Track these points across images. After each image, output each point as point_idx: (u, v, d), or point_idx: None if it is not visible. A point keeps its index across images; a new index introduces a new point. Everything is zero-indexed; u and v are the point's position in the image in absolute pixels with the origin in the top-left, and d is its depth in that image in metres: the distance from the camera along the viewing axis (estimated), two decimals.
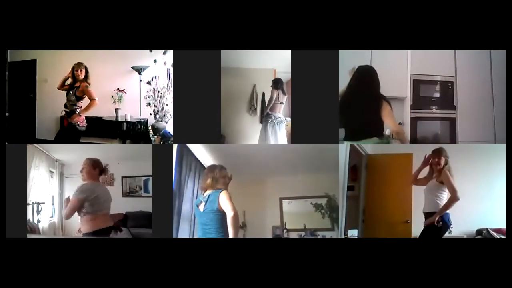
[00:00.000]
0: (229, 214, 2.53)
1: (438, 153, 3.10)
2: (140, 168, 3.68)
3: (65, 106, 3.41)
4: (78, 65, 3.38)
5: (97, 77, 3.79)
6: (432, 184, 3.13)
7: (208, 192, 2.65)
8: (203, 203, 2.63)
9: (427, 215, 3.09)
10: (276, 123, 3.88)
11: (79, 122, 3.36)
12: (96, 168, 2.93)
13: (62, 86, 3.43)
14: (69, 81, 3.41)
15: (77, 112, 3.36)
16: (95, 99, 3.37)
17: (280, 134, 3.87)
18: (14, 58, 3.41)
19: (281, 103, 3.95)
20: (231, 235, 2.52)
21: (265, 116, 3.95)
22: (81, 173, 2.92)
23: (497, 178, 3.19)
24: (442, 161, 3.08)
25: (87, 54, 3.39)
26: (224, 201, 2.57)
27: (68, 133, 3.37)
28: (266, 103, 4.02)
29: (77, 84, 3.38)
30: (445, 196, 3.08)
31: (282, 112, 3.95)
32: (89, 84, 3.38)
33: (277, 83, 3.95)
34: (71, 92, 3.38)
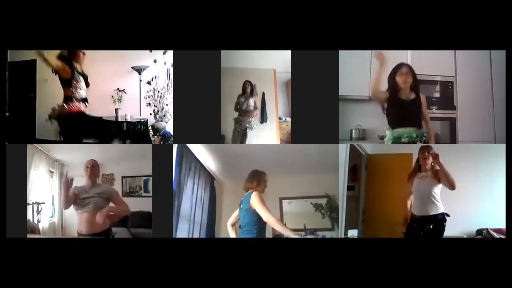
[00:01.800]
0: (267, 220, 2.75)
1: (426, 148, 3.00)
2: (140, 168, 3.68)
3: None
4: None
5: (97, 77, 3.80)
6: (424, 183, 3.00)
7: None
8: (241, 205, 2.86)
9: (418, 218, 2.98)
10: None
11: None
12: (97, 169, 3.06)
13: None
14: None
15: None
16: None
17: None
18: (14, 58, 3.41)
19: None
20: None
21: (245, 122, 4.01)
22: (91, 170, 3.02)
23: (497, 178, 3.19)
24: (431, 156, 2.96)
25: (87, 54, 3.39)
26: (255, 204, 2.79)
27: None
28: (249, 110, 4.05)
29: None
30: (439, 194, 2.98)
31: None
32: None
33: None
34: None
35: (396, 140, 2.94)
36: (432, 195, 2.96)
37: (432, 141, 3.04)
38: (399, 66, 2.94)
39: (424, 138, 2.98)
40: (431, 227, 2.92)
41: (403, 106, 2.91)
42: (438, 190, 2.97)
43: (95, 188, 3.00)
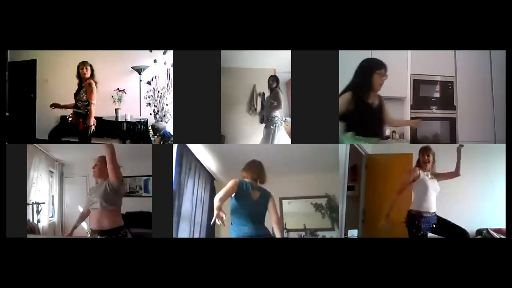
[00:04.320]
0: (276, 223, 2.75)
1: (425, 150, 3.11)
2: (140, 168, 3.67)
3: (76, 107, 3.38)
4: (83, 64, 3.37)
5: (97, 77, 3.80)
6: (423, 182, 3.08)
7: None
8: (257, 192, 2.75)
9: (414, 213, 3.07)
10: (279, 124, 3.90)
11: (92, 125, 3.37)
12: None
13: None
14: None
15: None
16: (93, 103, 3.35)
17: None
18: (14, 58, 3.41)
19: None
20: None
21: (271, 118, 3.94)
22: (93, 169, 2.89)
23: (497, 178, 3.19)
24: (431, 158, 3.09)
25: (87, 54, 3.39)
26: (272, 207, 2.78)
27: (83, 136, 3.36)
28: (279, 104, 3.95)
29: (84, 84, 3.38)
30: (434, 196, 3.08)
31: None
32: (96, 82, 3.39)
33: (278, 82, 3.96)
34: (81, 92, 3.37)
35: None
36: (431, 194, 3.06)
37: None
38: (380, 65, 2.80)
39: None
40: (434, 225, 3.04)
41: (369, 112, 2.81)
42: (437, 190, 3.08)
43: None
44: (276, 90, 3.94)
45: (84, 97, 3.36)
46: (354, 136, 2.84)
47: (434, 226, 3.04)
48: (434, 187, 3.08)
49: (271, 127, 3.87)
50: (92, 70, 3.39)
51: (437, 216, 3.07)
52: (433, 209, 3.06)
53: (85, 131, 3.34)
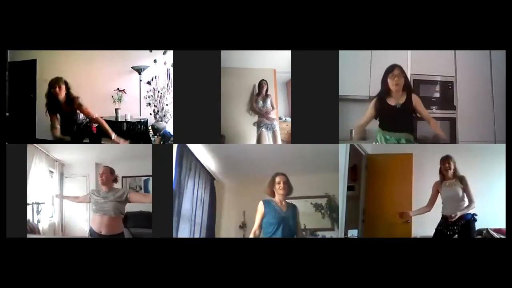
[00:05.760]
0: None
1: (446, 159, 3.19)
2: (140, 168, 3.67)
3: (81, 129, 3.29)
4: (56, 81, 3.16)
5: (97, 77, 3.79)
6: (452, 190, 3.17)
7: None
8: None
9: (449, 217, 3.13)
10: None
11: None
12: (113, 174, 3.20)
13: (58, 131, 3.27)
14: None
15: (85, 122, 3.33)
16: (95, 117, 3.30)
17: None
18: (14, 58, 3.40)
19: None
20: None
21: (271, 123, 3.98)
22: (101, 177, 3.14)
23: (497, 178, 3.19)
24: (452, 165, 3.16)
25: (86, 54, 3.39)
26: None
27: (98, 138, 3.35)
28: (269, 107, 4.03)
29: (64, 107, 3.22)
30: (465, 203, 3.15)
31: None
32: (78, 97, 3.23)
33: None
34: (78, 114, 3.26)
35: (386, 142, 3.07)
36: (460, 198, 3.13)
37: (443, 136, 3.21)
38: (390, 69, 2.98)
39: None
40: (463, 222, 3.08)
41: (393, 112, 2.99)
42: (459, 194, 3.16)
43: (112, 192, 3.12)
44: (269, 95, 3.97)
45: (81, 115, 3.28)
46: (381, 131, 3.02)
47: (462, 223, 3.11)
48: (455, 193, 3.16)
49: (267, 130, 3.91)
50: (68, 87, 3.20)
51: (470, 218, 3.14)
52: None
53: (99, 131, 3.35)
